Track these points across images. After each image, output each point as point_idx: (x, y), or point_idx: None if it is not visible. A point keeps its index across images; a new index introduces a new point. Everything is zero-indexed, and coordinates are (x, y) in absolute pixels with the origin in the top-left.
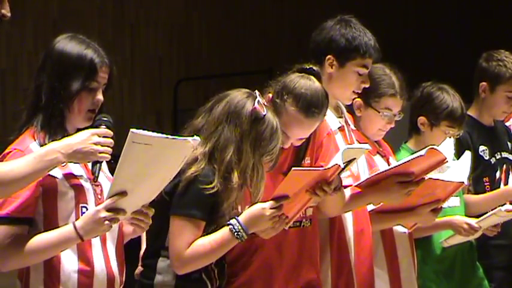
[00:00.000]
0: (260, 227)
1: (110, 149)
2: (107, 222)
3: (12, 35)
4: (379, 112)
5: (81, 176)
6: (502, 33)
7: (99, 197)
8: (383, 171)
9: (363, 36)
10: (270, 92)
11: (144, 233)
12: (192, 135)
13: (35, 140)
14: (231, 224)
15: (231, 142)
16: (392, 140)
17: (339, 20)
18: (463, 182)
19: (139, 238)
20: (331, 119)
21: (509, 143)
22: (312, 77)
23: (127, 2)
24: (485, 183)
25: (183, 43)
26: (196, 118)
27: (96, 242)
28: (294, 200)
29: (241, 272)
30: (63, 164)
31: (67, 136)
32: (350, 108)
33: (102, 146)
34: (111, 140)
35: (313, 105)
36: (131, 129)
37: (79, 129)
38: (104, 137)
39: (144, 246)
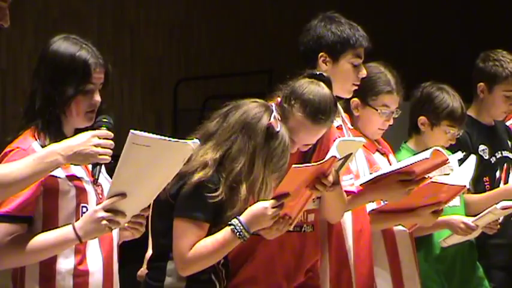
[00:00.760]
0: (262, 225)
1: (110, 151)
2: (105, 222)
3: (12, 35)
4: (377, 110)
5: (82, 177)
6: (502, 33)
7: (100, 196)
8: (389, 172)
9: (350, 27)
10: (278, 96)
11: (150, 235)
12: (192, 138)
13: (36, 140)
14: (232, 224)
15: (243, 153)
16: (393, 140)
17: (322, 17)
18: (465, 186)
19: (139, 239)
20: None
21: (509, 142)
22: (322, 83)
23: (127, 2)
24: (485, 183)
25: (183, 43)
26: (210, 121)
27: (92, 242)
28: (295, 198)
29: (243, 267)
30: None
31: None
32: (347, 108)
33: (102, 148)
34: (112, 142)
35: (320, 112)
36: (131, 131)
37: (78, 130)
38: (104, 138)
39: (150, 248)
